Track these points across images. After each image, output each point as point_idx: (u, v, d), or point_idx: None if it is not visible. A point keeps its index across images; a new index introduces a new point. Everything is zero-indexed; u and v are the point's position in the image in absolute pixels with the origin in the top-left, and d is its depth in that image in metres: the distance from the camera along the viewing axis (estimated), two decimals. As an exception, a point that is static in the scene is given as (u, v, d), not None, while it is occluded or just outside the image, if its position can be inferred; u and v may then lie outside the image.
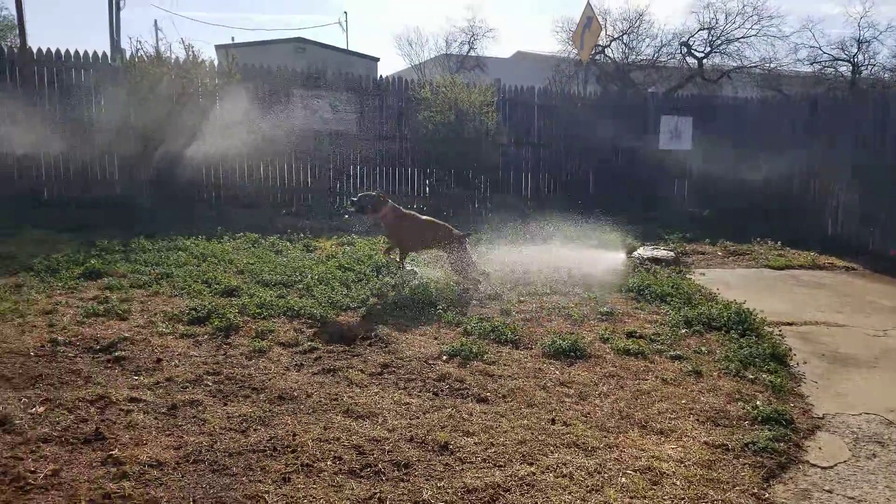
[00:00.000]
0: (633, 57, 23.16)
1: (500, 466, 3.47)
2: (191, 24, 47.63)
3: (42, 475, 3.23)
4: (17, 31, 26.94)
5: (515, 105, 13.87)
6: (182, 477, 3.28)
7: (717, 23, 22.53)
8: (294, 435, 3.72)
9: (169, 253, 7.95)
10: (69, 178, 11.30)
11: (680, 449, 3.78)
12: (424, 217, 7.53)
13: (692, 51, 22.70)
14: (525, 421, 4.02)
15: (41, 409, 3.91)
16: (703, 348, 5.51)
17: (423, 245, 7.54)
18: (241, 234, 9.30)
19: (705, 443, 3.87)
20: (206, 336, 5.30)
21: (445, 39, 33.71)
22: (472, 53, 29.35)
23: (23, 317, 5.52)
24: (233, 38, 33.36)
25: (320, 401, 4.21)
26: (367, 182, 13.01)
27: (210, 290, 6.51)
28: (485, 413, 4.11)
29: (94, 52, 11.43)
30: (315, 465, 3.42)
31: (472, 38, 29.67)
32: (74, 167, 11.23)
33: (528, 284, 7.29)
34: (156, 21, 68.51)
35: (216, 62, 12.32)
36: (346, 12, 68.12)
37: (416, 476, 3.36)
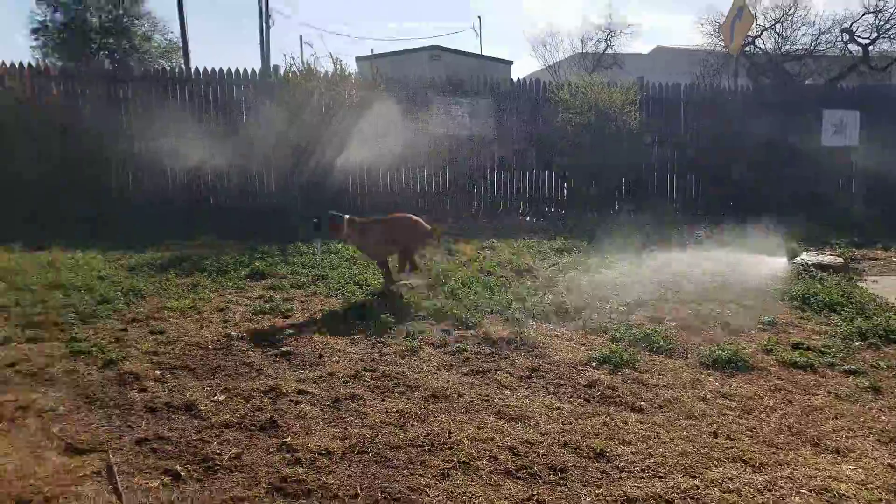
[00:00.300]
0: (788, 47, 21.68)
1: (661, 478, 3.39)
2: (332, 37, 50.13)
3: (226, 457, 3.55)
4: (181, 53, 29.72)
5: (659, 103, 13.40)
6: (349, 466, 3.48)
7: (885, 5, 20.59)
8: (449, 433, 3.83)
9: (322, 256, 8.42)
10: (231, 187, 12.24)
11: (860, 470, 3.50)
12: (389, 216, 7.40)
13: (855, 37, 20.90)
14: (684, 433, 3.90)
15: (222, 398, 4.30)
16: (882, 363, 5.07)
17: (394, 245, 7.06)
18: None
19: (890, 465, 3.57)
20: (361, 335, 5.58)
21: (581, 38, 33.23)
22: (609, 51, 28.71)
23: (200, 313, 6.08)
24: (371, 50, 34.86)
25: (472, 401, 4.30)
26: (505, 186, 13.09)
27: (361, 291, 6.84)
28: (641, 423, 4.03)
29: (251, 70, 12.36)
30: (472, 463, 3.51)
31: (610, 36, 29.07)
32: (236, 177, 12.15)
33: (679, 291, 7.03)
34: (301, 37, 72.64)
35: (354, 73, 12.87)
36: (479, 17, 68.96)
37: (572, 481, 3.36)
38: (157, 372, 4.65)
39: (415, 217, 7.11)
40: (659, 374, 4.79)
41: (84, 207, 10.70)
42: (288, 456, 3.57)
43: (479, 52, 32.57)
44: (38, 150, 10.97)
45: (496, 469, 3.46)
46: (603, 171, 12.76)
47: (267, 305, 6.26)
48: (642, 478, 3.40)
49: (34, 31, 33.17)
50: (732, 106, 13.57)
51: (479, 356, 5.14)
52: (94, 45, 32.26)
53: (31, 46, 32.85)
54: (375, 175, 12.63)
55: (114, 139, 11.41)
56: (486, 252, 9.02)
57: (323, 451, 3.62)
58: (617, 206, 13.13)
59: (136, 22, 33.48)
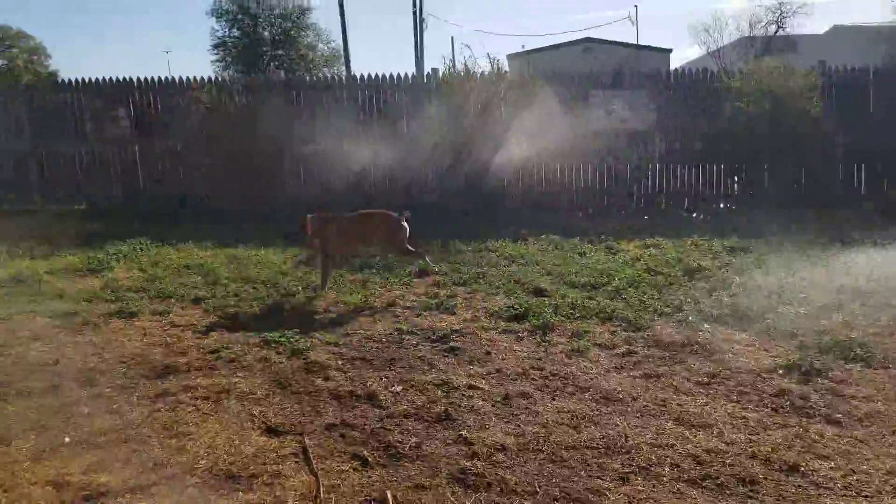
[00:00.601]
0: None
1: (867, 497, 3.12)
2: (483, 35, 50.53)
3: (408, 445, 3.71)
4: (343, 60, 31.39)
5: (844, 88, 12.17)
6: (525, 463, 3.51)
7: None
8: (626, 437, 3.75)
9: (481, 254, 8.54)
10: (394, 187, 12.70)
11: None
12: (361, 212, 7.35)
13: None
14: (892, 449, 3.56)
15: (399, 389, 4.49)
16: None
17: (360, 241, 7.17)
18: (543, 236, 9.60)
19: None
20: (525, 333, 5.60)
21: (749, 21, 31.04)
22: (781, 33, 26.67)
23: (371, 308, 6.39)
24: (523, 46, 34.74)
25: (647, 405, 4.18)
26: (667, 181, 12.55)
27: (522, 290, 6.85)
28: (839, 437, 3.72)
29: (407, 74, 12.76)
30: (652, 469, 3.41)
31: (781, 17, 27.00)
32: (398, 178, 12.61)
33: (873, 294, 6.37)
34: (452, 38, 74.07)
35: (507, 72, 12.88)
36: (636, 6, 66.61)
37: (764, 495, 3.17)
38: (339, 362, 4.95)
39: (388, 212, 7.10)
40: (856, 385, 4.40)
41: (262, 207, 11.63)
42: (465, 449, 3.67)
43: (633, 42, 31.55)
44: (224, 153, 12.08)
45: (679, 477, 3.34)
46: (779, 164, 11.86)
47: (432, 302, 6.45)
48: (845, 496, 3.14)
49: (215, 46, 36.54)
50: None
51: (650, 359, 4.98)
52: (266, 56, 34.98)
53: (211, 61, 36.28)
54: (531, 172, 12.59)
55: (288, 143, 12.28)
56: (651, 250, 8.70)
57: (498, 447, 3.67)
58: (795, 202, 12.15)
59: (303, 33, 35.89)
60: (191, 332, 5.64)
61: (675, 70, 13.09)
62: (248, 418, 4.01)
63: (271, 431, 3.86)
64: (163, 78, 12.82)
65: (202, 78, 12.69)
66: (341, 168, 12.37)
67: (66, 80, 13.09)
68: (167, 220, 11.39)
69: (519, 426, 3.93)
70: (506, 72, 12.16)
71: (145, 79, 12.65)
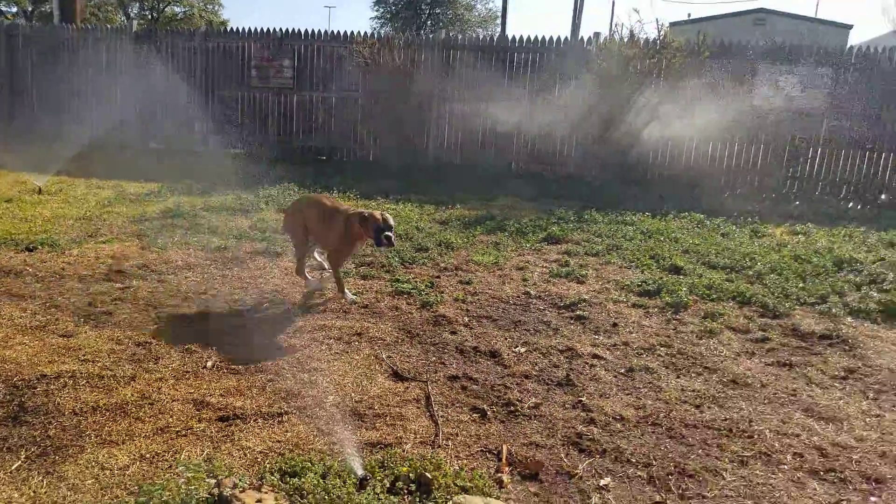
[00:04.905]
0: None
1: None
2: (645, 1, 48.23)
3: (527, 405, 3.86)
4: (500, 21, 31.21)
5: None
6: (642, 435, 3.56)
7: None
8: (750, 421, 3.70)
9: (617, 226, 8.44)
10: (534, 153, 12.76)
11: None
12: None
13: None
14: None
15: (522, 350, 4.65)
16: None
17: (302, 230, 5.63)
18: (686, 213, 9.32)
19: None
20: (656, 309, 5.55)
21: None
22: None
23: (501, 269, 6.56)
24: (689, 15, 32.94)
25: (776, 393, 4.07)
26: (827, 167, 11.67)
27: (657, 266, 6.75)
28: (983, 447, 3.47)
29: (565, 37, 12.57)
30: (773, 455, 3.36)
31: None
32: (541, 143, 12.60)
33: None
34: (613, 2, 71.21)
35: (672, 39, 12.34)
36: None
37: (889, 493, 3.05)
38: (466, 318, 5.18)
39: (328, 198, 5.82)
40: None
41: (409, 163, 12.10)
42: (583, 414, 3.77)
43: (811, 15, 29.03)
44: (379, 108, 12.61)
45: (800, 466, 3.27)
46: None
47: (563, 269, 6.51)
48: None
49: (376, 2, 37.69)
50: None
51: (785, 348, 4.81)
52: (424, 14, 35.61)
53: (370, 17, 37.65)
54: (680, 148, 12.16)
55: (440, 102, 12.59)
56: (800, 237, 8.23)
57: (617, 416, 3.74)
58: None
59: (461, -7, 36.13)
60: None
61: (858, 47, 11.96)
62: (375, 362, 4.31)
63: (397, 376, 4.13)
64: (326, 31, 13.46)
65: (364, 33, 13.20)
66: (489, 130, 12.56)
67: (236, 29, 13.91)
68: (317, 167, 12.16)
69: (640, 399, 3.97)
70: (672, 40, 11.67)
71: (309, 31, 13.34)
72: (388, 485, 2.86)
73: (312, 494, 2.66)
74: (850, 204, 11.21)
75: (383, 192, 9.88)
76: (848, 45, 12.56)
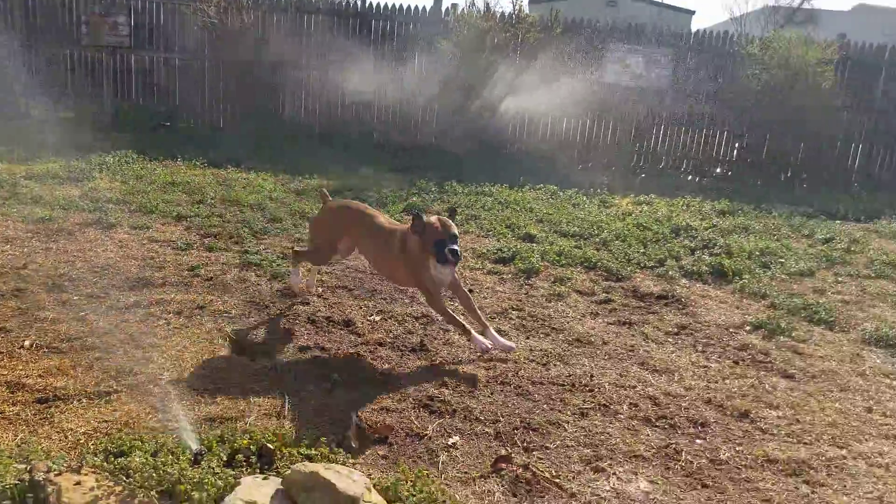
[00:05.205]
0: None
1: (806, 444, 3.28)
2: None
3: (378, 371, 3.82)
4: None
5: (858, 65, 11.97)
6: (491, 394, 3.63)
7: None
8: (591, 376, 3.88)
9: (476, 197, 8.57)
10: (395, 124, 12.62)
11: None
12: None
13: None
14: (837, 405, 3.71)
15: (377, 319, 4.59)
16: None
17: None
18: (541, 185, 9.62)
19: None
20: (510, 275, 5.69)
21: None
22: (806, 6, 26.17)
23: (360, 240, 6.45)
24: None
25: (616, 349, 4.30)
26: (670, 142, 12.50)
27: (513, 234, 6.92)
28: (791, 390, 3.87)
29: (424, 7, 12.52)
30: (611, 406, 3.54)
31: (807, -12, 26.41)
32: (401, 113, 12.49)
33: (848, 265, 6.49)
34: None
35: (527, 14, 12.63)
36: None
37: (712, 436, 3.31)
38: (320, 289, 5.04)
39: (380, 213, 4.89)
40: (816, 345, 4.54)
41: (259, 131, 11.57)
42: (435, 378, 3.78)
43: (659, 0, 30.86)
44: (225, 71, 11.91)
45: (635, 415, 3.47)
46: (782, 135, 11.81)
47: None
48: (786, 441, 3.30)
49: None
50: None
51: (626, 308, 5.10)
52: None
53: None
54: (536, 122, 12.51)
55: (292, 67, 12.09)
56: (643, 207, 8.75)
57: (468, 378, 3.79)
58: (790, 174, 12.15)
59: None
60: (170, 249, 5.62)
61: (697, 31, 12.83)
62: (219, 335, 4.08)
63: (242, 350, 3.95)
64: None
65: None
66: (346, 98, 12.23)
67: (62, -22, 12.30)
68: (158, 134, 11.32)
69: (491, 360, 4.04)
70: (527, 14, 11.87)
71: (148, -14, 12.19)
72: (225, 458, 2.71)
73: (140, 473, 2.46)
74: (690, 177, 12.10)
75: (234, 161, 9.40)
76: (690, 30, 13.45)
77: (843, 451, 3.23)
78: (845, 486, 2.97)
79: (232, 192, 7.60)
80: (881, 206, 9.32)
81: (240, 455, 2.74)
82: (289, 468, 2.53)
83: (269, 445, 2.80)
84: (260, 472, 2.65)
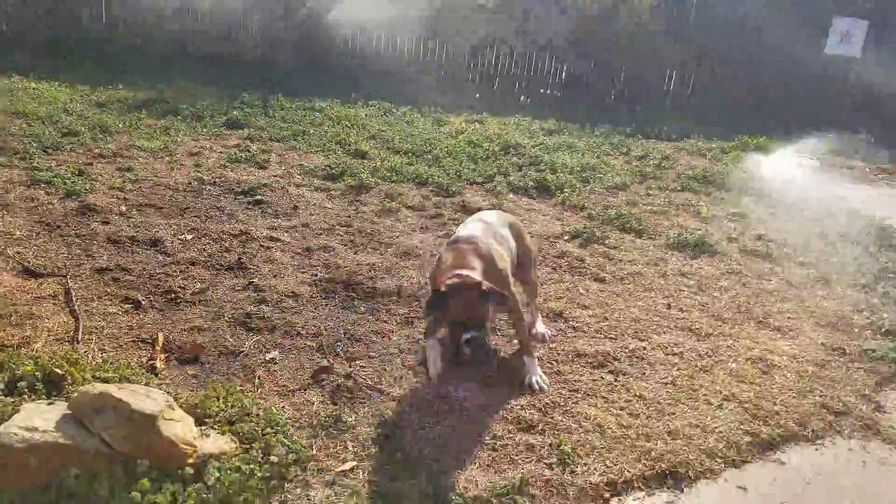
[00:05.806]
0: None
1: (612, 339, 3.52)
2: None
3: (190, 292, 3.54)
4: None
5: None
6: (315, 309, 3.50)
7: None
8: (418, 286, 3.85)
9: (305, 112, 8.17)
10: (212, 34, 11.55)
11: (795, 346, 3.67)
12: None
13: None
14: (641, 303, 4.00)
15: (189, 237, 4.24)
16: (835, 258, 5.17)
17: None
18: (375, 102, 9.36)
19: (822, 344, 3.73)
20: (338, 192, 5.49)
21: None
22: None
23: (172, 156, 5.92)
24: None
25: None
26: (501, 63, 12.60)
27: (343, 151, 6.68)
28: (601, 291, 4.11)
29: None
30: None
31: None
32: (217, 23, 11.44)
33: (659, 179, 6.99)
34: None
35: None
36: None
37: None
38: (123, 207, 4.56)
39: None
40: (626, 251, 4.84)
41: (55, 36, 10.16)
42: (254, 295, 3.58)
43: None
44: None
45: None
46: (607, 60, 12.31)
47: (243, 155, 6.10)
48: (595, 337, 3.51)
49: None
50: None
51: (455, 222, 5.09)
52: None
53: None
54: (370, 36, 12.05)
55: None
56: (475, 126, 8.80)
57: (291, 294, 3.62)
58: (614, 96, 12.77)
59: None
60: (-59, 166, 4.86)
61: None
62: (1, 259, 3.59)
63: (29, 273, 3.50)
64: None
65: None
66: (157, 5, 10.98)
67: None
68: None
69: (315, 275, 3.89)
70: None
71: None
72: (2, 386, 2.37)
73: None
74: (522, 97, 12.34)
75: (21, 70, 8.19)
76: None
77: (644, 343, 3.48)
78: (644, 374, 3.21)
79: (19, 104, 6.64)
80: (690, 126, 10.07)
81: (23, 382, 2.42)
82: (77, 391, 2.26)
83: (57, 370, 2.49)
84: (43, 398, 2.35)
